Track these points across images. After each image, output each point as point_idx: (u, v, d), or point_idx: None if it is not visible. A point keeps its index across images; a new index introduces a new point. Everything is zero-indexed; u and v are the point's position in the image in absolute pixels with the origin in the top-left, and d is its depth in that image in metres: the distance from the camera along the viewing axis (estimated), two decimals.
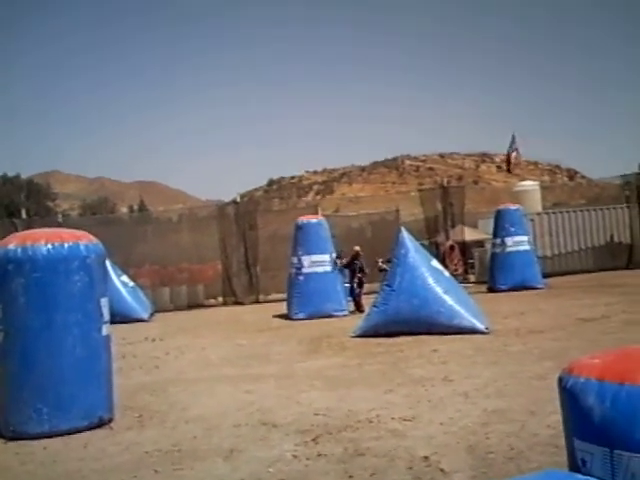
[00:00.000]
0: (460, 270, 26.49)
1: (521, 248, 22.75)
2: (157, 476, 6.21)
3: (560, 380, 3.26)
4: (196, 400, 9.25)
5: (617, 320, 13.67)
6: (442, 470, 5.70)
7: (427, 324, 13.25)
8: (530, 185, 33.74)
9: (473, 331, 13.05)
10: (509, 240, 22.81)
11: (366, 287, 20.02)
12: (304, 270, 19.05)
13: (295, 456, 6.39)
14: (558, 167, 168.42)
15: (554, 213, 29.13)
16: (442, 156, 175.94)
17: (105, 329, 8.27)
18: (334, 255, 19.41)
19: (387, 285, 14.13)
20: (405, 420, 7.33)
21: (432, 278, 13.83)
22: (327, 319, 17.82)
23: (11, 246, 7.93)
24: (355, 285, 19.63)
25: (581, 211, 29.30)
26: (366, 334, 13.77)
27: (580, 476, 2.98)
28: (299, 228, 19.56)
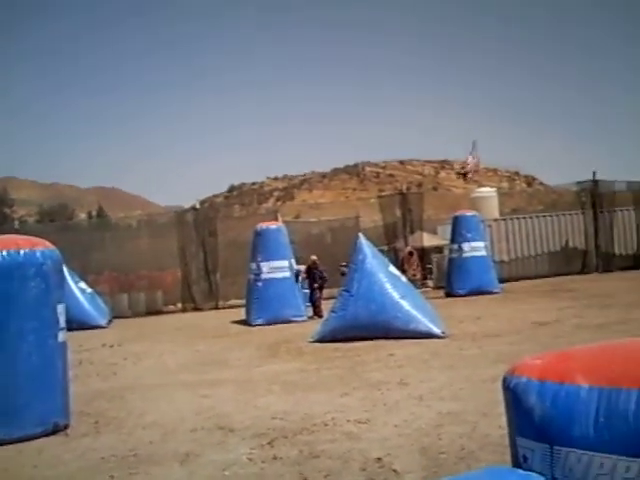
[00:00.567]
0: (418, 276, 26.68)
1: (478, 254, 23.08)
2: None
3: (504, 380, 3.36)
4: (153, 406, 9.25)
5: (569, 324, 13.96)
6: (395, 471, 5.81)
7: (384, 329, 13.39)
8: (487, 192, 34.15)
9: (430, 335, 13.22)
10: (466, 246, 23.12)
11: (326, 292, 20.13)
12: (263, 276, 19.09)
13: (251, 459, 6.45)
14: (517, 174, 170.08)
15: (511, 219, 29.54)
16: (402, 162, 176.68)
17: (61, 336, 8.24)
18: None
19: (345, 290, 14.27)
20: (360, 423, 7.44)
21: (389, 284, 13.99)
22: (286, 325, 17.87)
23: None
24: (315, 290, 19.74)
25: (537, 217, 29.75)
26: (324, 339, 13.87)
27: (521, 471, 3.09)
28: (258, 234, 19.59)
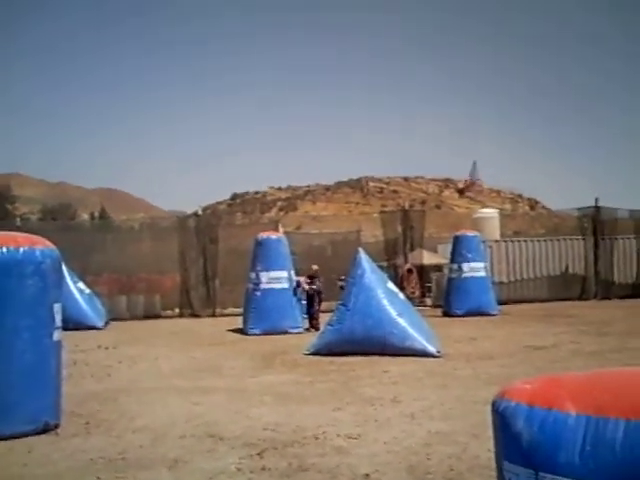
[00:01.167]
0: (417, 293, 26.72)
1: (477, 274, 23.08)
2: None
3: (493, 404, 3.37)
4: (145, 410, 9.25)
5: (565, 350, 13.96)
6: None
7: (380, 345, 13.39)
8: (489, 213, 34.25)
9: (425, 354, 13.21)
10: (466, 266, 23.13)
11: (324, 305, 20.14)
12: (262, 286, 19.10)
13: (239, 469, 6.45)
14: (520, 196, 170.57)
15: (512, 241, 29.58)
16: (406, 179, 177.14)
17: (56, 335, 8.25)
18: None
19: (342, 304, 14.27)
20: (350, 438, 7.43)
21: (387, 300, 13.99)
22: (282, 335, 17.88)
23: None
24: (313, 303, 19.76)
25: (538, 241, 29.80)
26: (320, 352, 13.87)
27: None
28: (259, 244, 19.63)
